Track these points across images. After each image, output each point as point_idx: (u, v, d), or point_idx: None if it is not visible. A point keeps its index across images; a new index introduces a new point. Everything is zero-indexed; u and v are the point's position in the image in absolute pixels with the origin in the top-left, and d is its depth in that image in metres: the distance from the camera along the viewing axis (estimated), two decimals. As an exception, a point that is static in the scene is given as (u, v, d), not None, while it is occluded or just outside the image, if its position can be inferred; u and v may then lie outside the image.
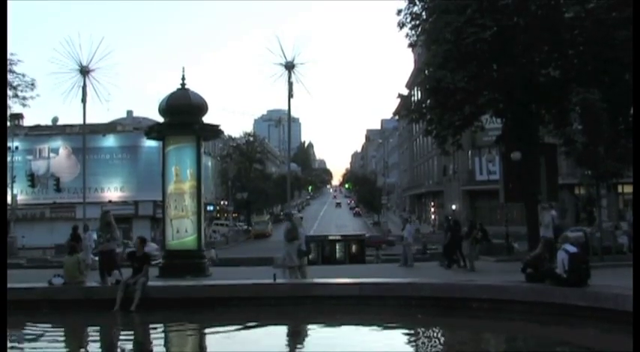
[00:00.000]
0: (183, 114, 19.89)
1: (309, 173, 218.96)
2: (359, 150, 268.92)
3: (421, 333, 12.85)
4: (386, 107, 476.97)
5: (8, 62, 34.35)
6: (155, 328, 13.94)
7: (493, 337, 12.67)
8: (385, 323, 13.36)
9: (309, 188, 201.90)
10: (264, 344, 11.71)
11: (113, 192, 67.79)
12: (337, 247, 38.53)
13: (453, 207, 68.53)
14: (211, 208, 78.47)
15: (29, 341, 12.21)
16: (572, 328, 11.95)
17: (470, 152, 61.42)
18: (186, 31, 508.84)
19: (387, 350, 11.02)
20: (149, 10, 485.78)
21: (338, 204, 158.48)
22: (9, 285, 13.30)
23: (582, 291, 12.70)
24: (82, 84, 25.12)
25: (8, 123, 49.46)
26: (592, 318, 11.91)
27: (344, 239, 40.63)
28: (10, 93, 38.18)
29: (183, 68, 20.59)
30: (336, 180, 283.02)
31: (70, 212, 60.59)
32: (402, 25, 26.65)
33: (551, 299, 12.98)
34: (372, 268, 26.79)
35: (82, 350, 12.28)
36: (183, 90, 20.27)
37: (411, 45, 28.18)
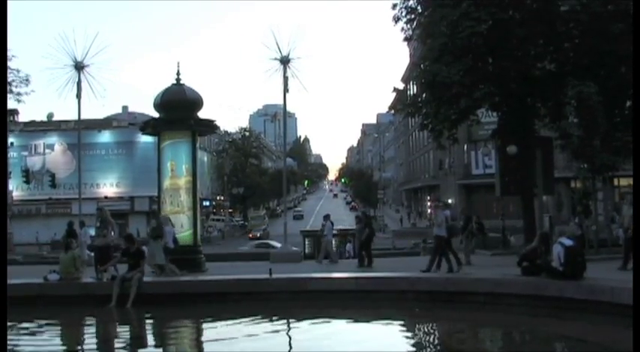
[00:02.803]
0: (179, 109, 19.82)
1: (305, 168, 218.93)
2: (355, 144, 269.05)
3: (419, 327, 12.87)
4: (382, 101, 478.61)
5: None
6: (151, 324, 13.95)
7: (490, 330, 12.68)
8: (383, 317, 13.39)
9: (306, 183, 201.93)
10: (260, 339, 11.70)
11: (109, 187, 67.77)
12: (333, 242, 38.48)
13: (450, 200, 68.60)
14: (207, 203, 78.47)
15: (25, 337, 12.18)
16: (568, 321, 11.98)
17: (466, 146, 61.40)
18: (182, 26, 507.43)
19: (386, 344, 11.04)
20: (144, 5, 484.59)
21: (335, 195, 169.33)
22: (4, 281, 13.27)
23: (578, 284, 12.73)
24: (76, 79, 24.93)
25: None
26: (588, 311, 11.94)
27: (340, 234, 40.54)
28: (5, 88, 38.04)
29: (178, 63, 20.52)
30: (332, 175, 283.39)
31: (65, 208, 60.52)
32: (397, 19, 26.58)
33: (547, 292, 13.01)
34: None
35: (78, 346, 12.26)
36: (178, 86, 20.19)
37: (406, 39, 28.10)
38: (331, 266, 21.41)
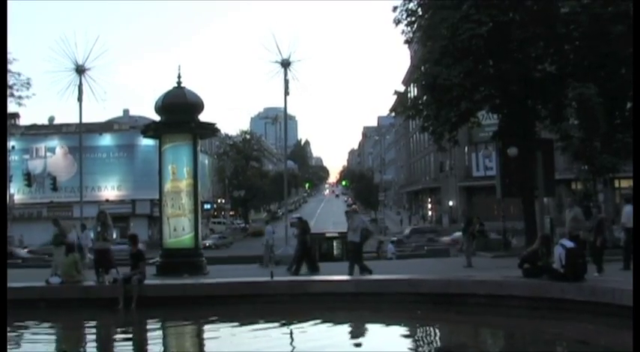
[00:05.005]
0: (180, 112, 19.85)
1: (306, 170, 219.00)
2: (356, 147, 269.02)
3: (420, 329, 12.88)
4: (383, 104, 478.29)
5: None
6: (155, 326, 13.97)
7: (491, 332, 12.69)
8: (384, 320, 13.40)
9: (307, 185, 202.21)
10: (260, 341, 11.70)
11: (110, 190, 67.73)
12: (334, 244, 38.43)
13: (450, 203, 68.59)
14: (208, 206, 78.44)
15: (27, 340, 12.20)
16: (570, 322, 11.97)
17: (466, 148, 61.48)
18: (183, 29, 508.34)
19: (388, 347, 11.04)
20: (145, 8, 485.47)
21: (337, 196, 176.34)
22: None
23: (579, 286, 12.73)
24: (77, 83, 25.01)
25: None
26: (589, 313, 11.93)
27: (341, 236, 40.46)
28: (5, 92, 38.08)
29: (179, 66, 20.56)
30: (333, 178, 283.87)
31: (67, 211, 60.48)
32: (398, 22, 26.65)
33: (548, 294, 13.01)
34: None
35: (81, 348, 12.28)
36: (179, 89, 20.22)
37: (407, 41, 28.17)
38: (266, 269, 20.69)
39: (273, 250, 23.49)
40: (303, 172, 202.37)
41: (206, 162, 78.45)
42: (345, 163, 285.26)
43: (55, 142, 69.31)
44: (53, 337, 13.05)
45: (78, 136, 34.19)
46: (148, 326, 13.90)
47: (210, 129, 21.62)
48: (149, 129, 21.31)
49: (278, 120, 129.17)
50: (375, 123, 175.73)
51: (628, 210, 16.55)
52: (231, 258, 34.13)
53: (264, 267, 22.31)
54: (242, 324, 13.14)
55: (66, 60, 24.68)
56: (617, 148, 23.00)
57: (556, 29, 23.02)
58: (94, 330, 13.85)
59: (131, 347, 12.27)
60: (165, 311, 14.51)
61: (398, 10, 26.47)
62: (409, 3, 26.36)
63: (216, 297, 15.03)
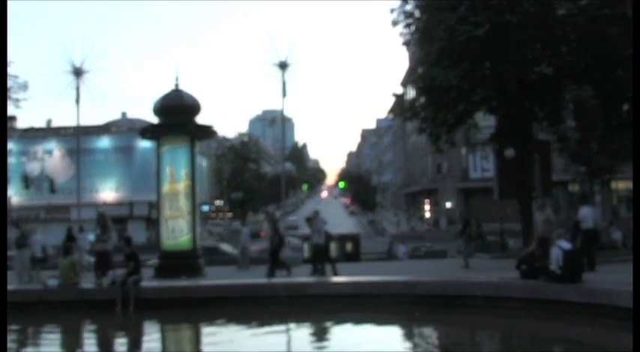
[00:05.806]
0: (177, 114, 19.92)
1: (303, 172, 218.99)
2: (354, 149, 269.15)
3: (418, 331, 12.90)
4: (382, 106, 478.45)
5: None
6: (153, 328, 13.99)
7: (489, 334, 12.71)
8: (382, 321, 13.42)
9: (305, 187, 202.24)
10: (259, 343, 11.72)
11: (108, 193, 67.62)
12: (332, 246, 38.44)
13: (448, 204, 68.59)
14: (206, 208, 78.38)
15: (25, 343, 12.21)
16: (567, 324, 11.99)
17: (464, 150, 61.52)
18: (182, 32, 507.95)
19: (385, 347, 11.07)
20: (143, 10, 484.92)
21: (335, 197, 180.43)
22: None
23: (577, 287, 12.75)
24: (75, 85, 25.04)
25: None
26: (587, 314, 11.95)
27: (339, 238, 40.51)
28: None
29: (177, 69, 20.65)
30: (331, 180, 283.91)
31: (64, 213, 60.41)
32: (395, 24, 26.70)
33: (545, 295, 13.02)
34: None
35: (78, 350, 12.30)
36: (176, 91, 20.29)
37: (404, 43, 28.24)
38: (245, 271, 21.16)
39: (248, 252, 23.55)
40: (300, 174, 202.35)
41: (204, 164, 78.39)
42: (344, 165, 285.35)
43: (52, 145, 69.18)
44: (52, 339, 13.04)
45: (75, 138, 34.17)
46: (146, 329, 13.93)
47: (208, 132, 21.69)
48: (147, 131, 21.38)
49: (275, 122, 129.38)
50: (373, 126, 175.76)
51: (586, 211, 16.84)
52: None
53: (242, 269, 22.31)
54: (241, 326, 13.16)
55: (64, 62, 24.70)
56: (614, 150, 23.05)
57: (553, 31, 23.08)
58: (92, 333, 13.85)
59: (128, 350, 12.29)
60: (163, 313, 14.53)
61: (395, 11, 26.53)
62: (406, 5, 26.42)
63: (215, 299, 15.04)
